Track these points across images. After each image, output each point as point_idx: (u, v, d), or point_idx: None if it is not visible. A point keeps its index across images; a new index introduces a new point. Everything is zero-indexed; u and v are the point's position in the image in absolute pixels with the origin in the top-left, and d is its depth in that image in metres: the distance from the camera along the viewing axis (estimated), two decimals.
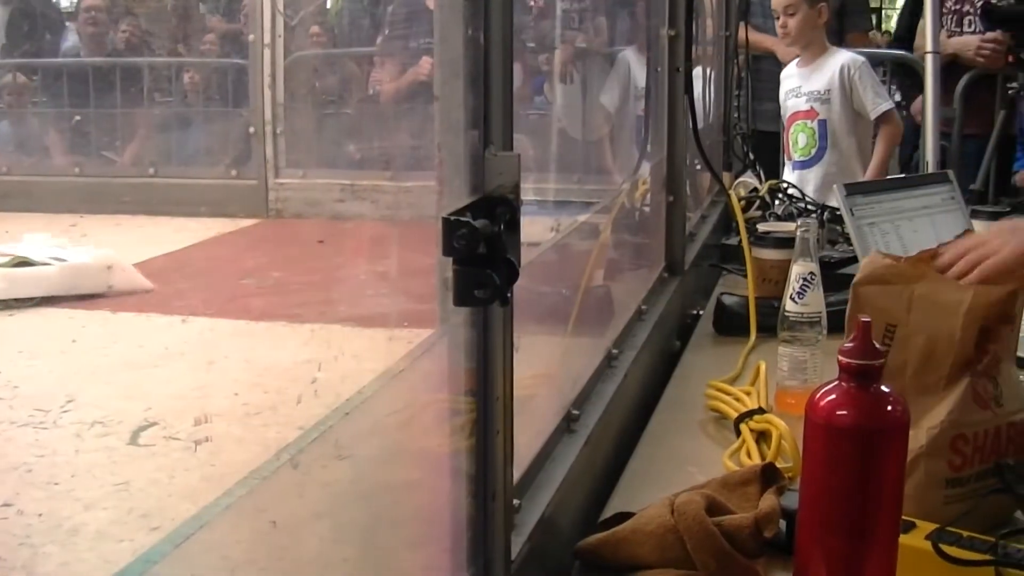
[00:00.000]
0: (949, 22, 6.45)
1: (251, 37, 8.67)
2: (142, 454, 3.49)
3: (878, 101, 5.37)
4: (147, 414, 3.73)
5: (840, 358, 1.59)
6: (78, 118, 9.00)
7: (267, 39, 8.57)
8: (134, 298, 5.45)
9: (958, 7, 6.20)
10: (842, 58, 5.37)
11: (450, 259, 1.27)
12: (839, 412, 1.58)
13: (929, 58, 5.22)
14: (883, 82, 6.97)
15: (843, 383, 1.59)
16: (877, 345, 1.61)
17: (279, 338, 4.74)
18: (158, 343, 4.74)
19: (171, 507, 3.01)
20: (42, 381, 4.26)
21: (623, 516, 1.85)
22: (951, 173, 3.50)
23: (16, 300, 5.53)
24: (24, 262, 5.95)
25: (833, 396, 1.59)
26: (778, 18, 5.40)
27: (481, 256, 1.25)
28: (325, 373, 3.52)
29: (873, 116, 5.36)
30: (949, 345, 1.89)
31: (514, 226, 1.33)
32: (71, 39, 9.57)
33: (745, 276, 3.24)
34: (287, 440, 3.07)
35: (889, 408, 1.59)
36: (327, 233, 6.63)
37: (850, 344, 1.58)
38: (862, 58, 5.42)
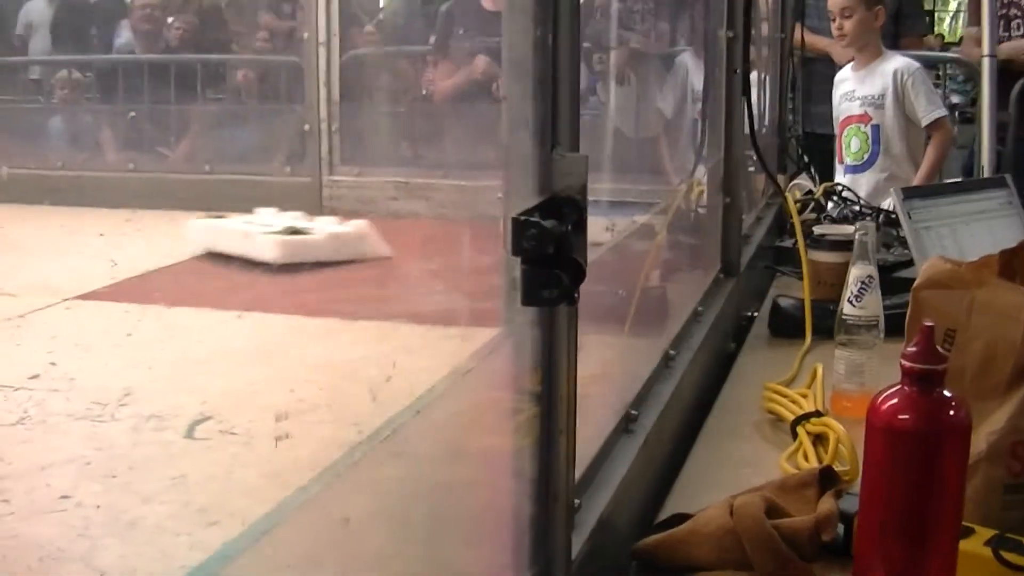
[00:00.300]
0: (997, 27, 6.43)
1: (306, 35, 8.69)
2: (198, 448, 3.51)
3: (930, 108, 5.35)
4: (203, 408, 3.75)
5: (903, 362, 1.59)
6: (133, 114, 9.05)
7: (322, 37, 8.59)
8: (187, 294, 5.49)
9: (1004, 11, 6.18)
10: (897, 63, 5.36)
11: (516, 259, 1.27)
12: (901, 416, 1.58)
13: (986, 62, 5.20)
14: (937, 86, 6.95)
15: (905, 387, 1.59)
16: (941, 350, 1.61)
17: (334, 334, 4.75)
18: (214, 338, 4.76)
19: (229, 502, 3.02)
20: (98, 374, 4.28)
21: (680, 517, 1.86)
22: (1008, 178, 3.49)
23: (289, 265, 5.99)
24: (295, 231, 6.46)
25: (895, 400, 1.59)
26: (834, 20, 5.39)
27: (549, 256, 1.26)
28: (379, 370, 3.54)
29: (924, 123, 5.35)
30: (1009, 350, 1.88)
31: (581, 227, 1.33)
32: (124, 35, 9.61)
33: (799, 278, 3.24)
34: (343, 438, 3.09)
35: (951, 412, 1.59)
36: (381, 231, 6.63)
37: (913, 348, 1.59)
38: (917, 64, 5.40)
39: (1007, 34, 6.20)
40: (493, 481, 1.55)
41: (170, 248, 6.39)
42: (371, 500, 1.68)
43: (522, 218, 1.24)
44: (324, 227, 6.65)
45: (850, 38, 5.37)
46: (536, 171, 1.33)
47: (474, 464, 1.65)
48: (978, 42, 6.49)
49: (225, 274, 5.97)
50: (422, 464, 1.66)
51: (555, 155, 1.34)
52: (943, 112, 5.45)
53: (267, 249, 6.18)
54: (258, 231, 6.45)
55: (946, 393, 1.59)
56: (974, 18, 6.66)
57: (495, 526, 1.55)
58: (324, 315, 4.99)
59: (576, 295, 1.32)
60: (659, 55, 5.54)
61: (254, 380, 4.10)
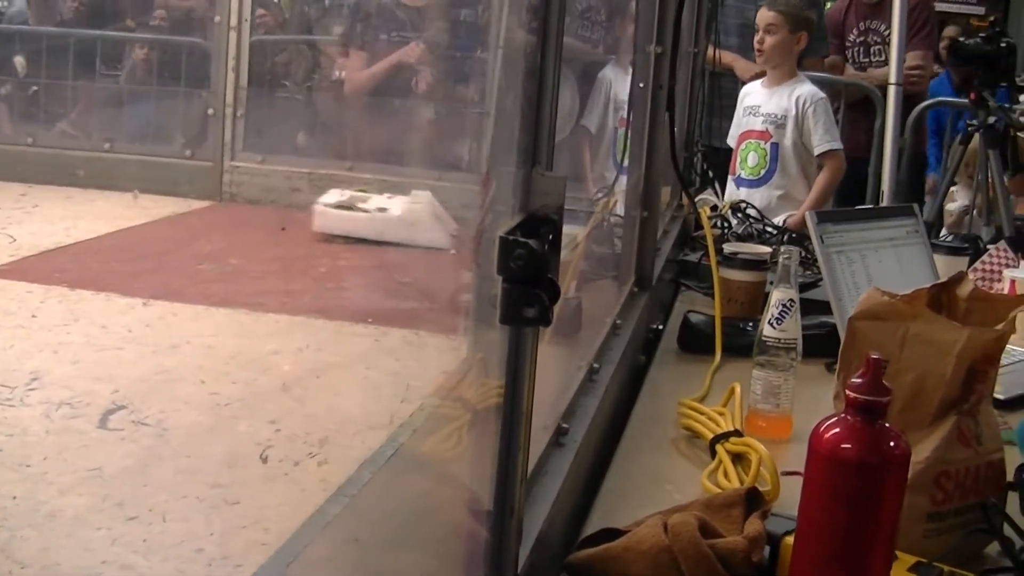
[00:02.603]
0: (857, 55, 6.57)
1: (217, 19, 8.61)
2: (112, 439, 3.46)
3: (825, 139, 5.41)
4: (115, 397, 3.70)
5: (848, 392, 1.62)
6: (35, 88, 8.90)
7: (233, 21, 8.51)
8: (89, 276, 5.43)
9: (863, 38, 6.31)
10: (803, 90, 5.41)
11: (494, 276, 1.28)
12: (843, 445, 1.61)
13: (892, 90, 5.29)
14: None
15: (849, 417, 1.62)
16: (887, 384, 1.64)
17: (242, 326, 4.71)
18: (120, 324, 4.70)
19: (147, 497, 2.99)
20: (3, 356, 4.22)
21: (609, 532, 1.87)
22: (916, 207, 3.54)
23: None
24: (345, 205, 6.80)
25: (838, 429, 1.62)
26: (758, 32, 5.43)
27: (529, 275, 1.26)
28: (292, 366, 3.53)
29: (816, 152, 5.41)
30: (938, 384, 1.92)
31: (556, 246, 1.34)
32: (17, 3, 9.47)
33: (705, 293, 3.27)
34: (260, 435, 3.08)
35: (892, 444, 1.62)
36: (283, 221, 6.61)
37: (859, 380, 1.61)
38: (822, 95, 5.46)
39: (867, 60, 6.33)
40: (453, 496, 1.56)
41: (69, 227, 6.31)
42: (362, 518, 1.68)
43: (510, 238, 1.24)
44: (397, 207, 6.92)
45: (767, 54, 5.41)
46: (518, 190, 1.34)
47: (442, 480, 1.65)
48: (837, 70, 6.65)
49: (126, 257, 5.91)
50: (405, 481, 1.67)
51: (535, 174, 1.35)
52: (837, 145, 5.49)
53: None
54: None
55: (887, 425, 1.63)
56: (831, 48, 6.78)
57: (451, 540, 1.55)
58: (232, 306, 4.95)
59: (551, 314, 1.33)
60: (583, 62, 5.55)
61: (164, 369, 4.06)
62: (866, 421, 1.61)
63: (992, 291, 3.63)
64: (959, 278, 2.15)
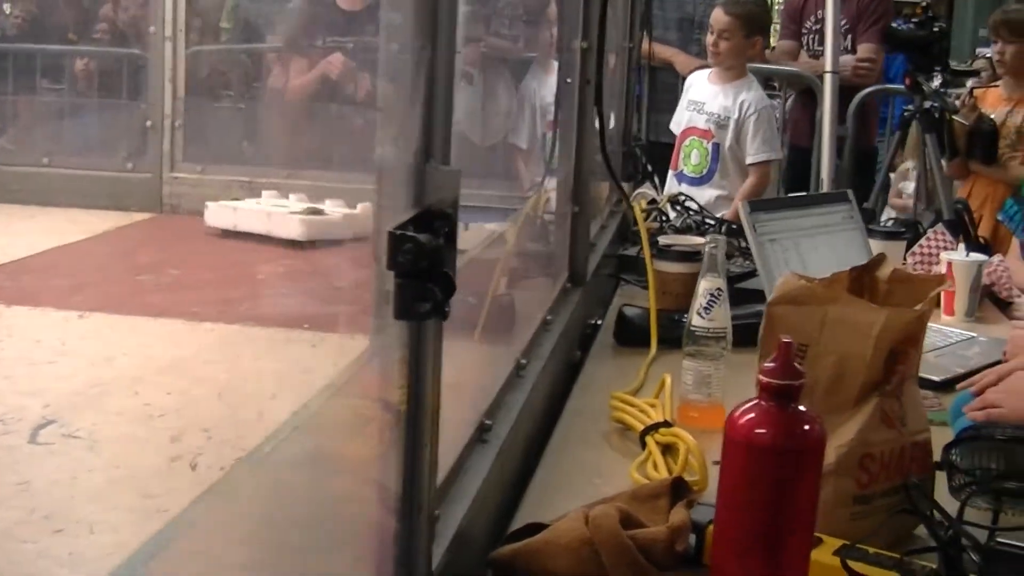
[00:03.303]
0: (812, 42, 6.59)
1: (152, 29, 8.55)
2: (42, 452, 3.43)
3: (763, 149, 5.38)
4: (45, 411, 3.67)
5: (760, 377, 1.62)
6: None
7: (168, 32, 8.45)
8: (25, 293, 5.39)
9: (819, 27, 6.32)
10: (749, 95, 5.37)
11: (389, 272, 1.27)
12: (758, 430, 1.60)
13: (828, 78, 5.30)
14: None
15: (762, 402, 1.61)
16: (799, 366, 1.64)
17: (178, 336, 4.69)
18: (55, 338, 4.67)
19: (75, 509, 2.97)
20: None
21: (534, 527, 1.86)
22: (850, 193, 3.55)
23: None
24: (315, 211, 7.04)
25: (753, 415, 1.62)
26: (712, 34, 5.40)
27: (422, 270, 1.26)
28: (228, 375, 3.51)
29: (748, 161, 5.37)
30: (860, 366, 1.92)
31: (452, 240, 1.34)
32: None
33: (643, 287, 3.26)
34: (195, 445, 3.05)
35: (807, 428, 1.62)
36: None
37: (771, 364, 1.61)
38: (768, 102, 5.44)
39: (821, 48, 6.35)
40: (358, 494, 1.55)
41: (6, 244, 6.26)
42: (237, 515, 1.67)
43: (398, 232, 1.24)
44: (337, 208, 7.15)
45: (721, 58, 5.38)
46: (411, 184, 1.33)
47: (340, 477, 1.64)
48: (790, 55, 6.65)
49: (64, 272, 5.87)
50: (289, 478, 1.66)
51: (429, 168, 1.34)
52: (770, 156, 5.46)
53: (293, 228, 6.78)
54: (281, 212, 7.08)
55: (801, 408, 1.63)
56: (786, 32, 6.79)
57: (359, 539, 1.54)
58: (169, 316, 4.92)
59: (447, 309, 1.32)
60: (509, 59, 5.55)
61: (98, 382, 4.03)
62: (780, 406, 1.61)
63: (929, 274, 3.65)
64: (879, 260, 2.16)
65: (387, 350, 1.40)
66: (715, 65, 5.46)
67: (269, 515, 1.64)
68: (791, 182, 6.50)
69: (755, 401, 1.63)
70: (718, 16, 5.38)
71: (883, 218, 5.51)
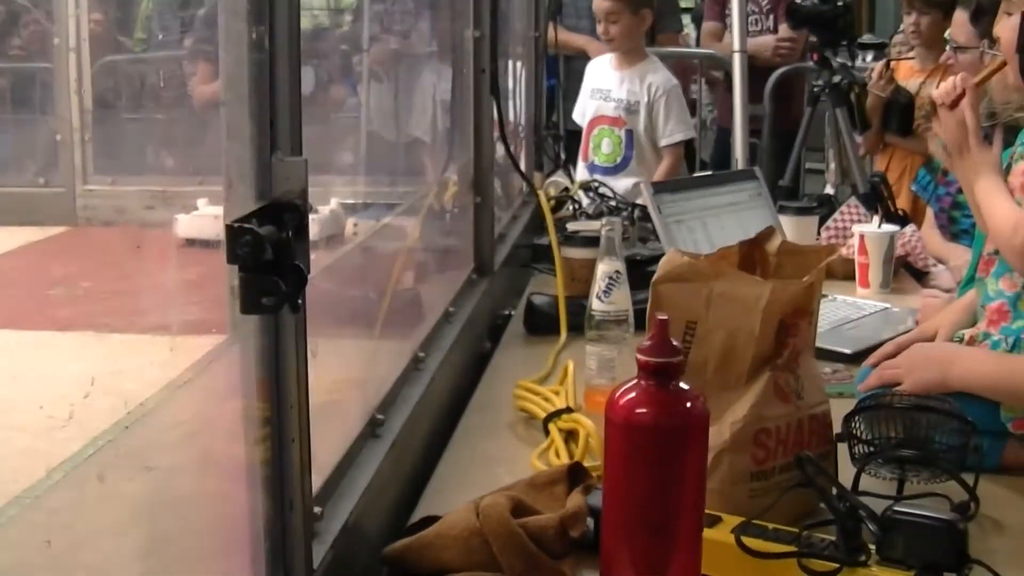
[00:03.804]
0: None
1: (56, 40, 8.47)
2: None
3: (678, 129, 5.28)
4: None
5: (638, 356, 1.60)
6: None
7: (72, 43, 8.37)
8: None
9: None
10: (656, 78, 5.23)
11: (235, 266, 1.24)
12: (638, 411, 1.59)
13: (736, 57, 5.30)
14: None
15: (642, 381, 1.60)
16: (676, 343, 1.63)
17: (86, 348, 4.62)
18: None
19: None
20: None
21: (431, 520, 1.84)
22: (757, 170, 3.55)
23: None
24: None
25: (633, 394, 1.60)
26: (600, 23, 5.31)
27: (268, 263, 1.23)
28: (133, 384, 3.45)
29: (661, 143, 5.28)
30: (749, 340, 1.91)
31: (302, 232, 1.31)
32: None
33: (553, 275, 3.25)
34: (96, 456, 3.00)
35: (688, 405, 1.61)
36: (137, 240, 6.52)
37: (648, 342, 1.60)
38: (675, 82, 5.33)
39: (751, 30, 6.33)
40: (226, 492, 1.52)
41: None
42: (98, 516, 1.64)
43: (236, 225, 1.21)
44: None
45: (617, 42, 5.28)
46: (255, 177, 1.30)
47: (204, 475, 1.61)
48: (715, 37, 6.63)
49: None
50: (146, 477, 1.62)
51: (274, 160, 1.31)
52: (683, 137, 5.38)
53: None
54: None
55: (683, 386, 1.61)
56: (711, 13, 6.77)
57: (230, 538, 1.51)
58: (79, 329, 4.86)
59: (300, 301, 1.30)
60: (415, 56, 5.51)
61: (1, 399, 3.97)
62: (660, 384, 1.59)
63: (843, 247, 3.66)
64: (768, 234, 2.14)
65: (242, 345, 1.37)
66: (613, 51, 5.37)
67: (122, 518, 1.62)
68: (718, 164, 6.49)
69: (635, 381, 1.61)
70: (599, 3, 5.27)
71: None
